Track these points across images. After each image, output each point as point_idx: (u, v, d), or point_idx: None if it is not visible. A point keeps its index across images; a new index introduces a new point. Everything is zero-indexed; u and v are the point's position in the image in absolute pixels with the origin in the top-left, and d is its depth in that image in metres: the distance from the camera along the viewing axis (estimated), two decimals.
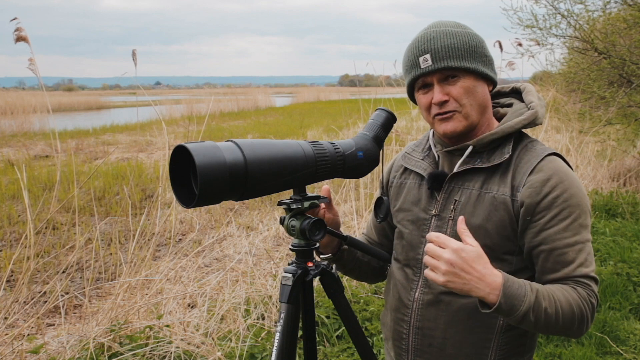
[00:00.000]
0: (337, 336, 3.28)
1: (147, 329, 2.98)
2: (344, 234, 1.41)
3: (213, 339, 3.04)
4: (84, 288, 3.59)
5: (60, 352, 2.79)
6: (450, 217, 1.34)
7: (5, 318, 3.01)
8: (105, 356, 2.76)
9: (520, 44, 7.24)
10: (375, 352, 2.12)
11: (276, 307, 3.44)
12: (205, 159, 1.05)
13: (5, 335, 2.86)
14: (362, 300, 3.66)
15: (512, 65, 6.97)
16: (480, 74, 1.32)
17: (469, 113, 1.31)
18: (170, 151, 1.11)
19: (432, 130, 1.46)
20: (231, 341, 3.02)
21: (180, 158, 1.10)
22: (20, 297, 3.14)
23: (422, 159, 1.46)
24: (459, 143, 1.36)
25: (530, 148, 1.33)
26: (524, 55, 7.45)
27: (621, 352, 3.21)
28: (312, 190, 1.39)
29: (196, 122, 7.49)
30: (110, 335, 2.86)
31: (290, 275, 1.29)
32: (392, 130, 1.45)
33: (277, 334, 1.26)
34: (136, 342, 2.86)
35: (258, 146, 1.15)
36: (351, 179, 4.79)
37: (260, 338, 3.11)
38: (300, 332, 1.35)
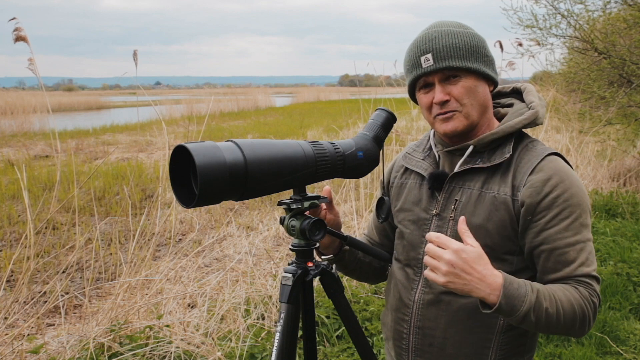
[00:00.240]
0: (337, 336, 3.28)
1: (147, 329, 2.98)
2: (344, 234, 1.41)
3: (213, 339, 3.04)
4: (84, 288, 3.59)
5: (60, 352, 2.79)
6: (451, 217, 1.35)
7: (5, 318, 3.01)
8: (105, 356, 2.76)
9: (520, 44, 7.25)
10: (375, 352, 2.12)
11: (276, 307, 3.44)
12: (205, 159, 1.05)
13: (5, 335, 2.86)
14: (362, 300, 3.66)
15: (513, 65, 6.96)
16: (481, 74, 1.32)
17: (470, 113, 1.31)
18: (170, 151, 1.11)
19: (432, 130, 1.46)
20: (231, 341, 3.02)
21: (180, 158, 1.10)
22: (20, 297, 3.14)
23: (422, 159, 1.46)
24: (460, 143, 1.37)
25: (531, 148, 1.33)
26: (524, 55, 7.46)
27: (621, 352, 3.21)
28: (312, 190, 1.39)
29: (196, 122, 7.49)
30: (110, 335, 2.86)
31: (290, 275, 1.29)
32: (392, 130, 1.45)
33: (277, 334, 1.26)
34: (136, 342, 2.86)
35: (258, 146, 1.15)
36: (351, 179, 4.78)
37: (260, 338, 3.11)
38: (300, 332, 1.35)
